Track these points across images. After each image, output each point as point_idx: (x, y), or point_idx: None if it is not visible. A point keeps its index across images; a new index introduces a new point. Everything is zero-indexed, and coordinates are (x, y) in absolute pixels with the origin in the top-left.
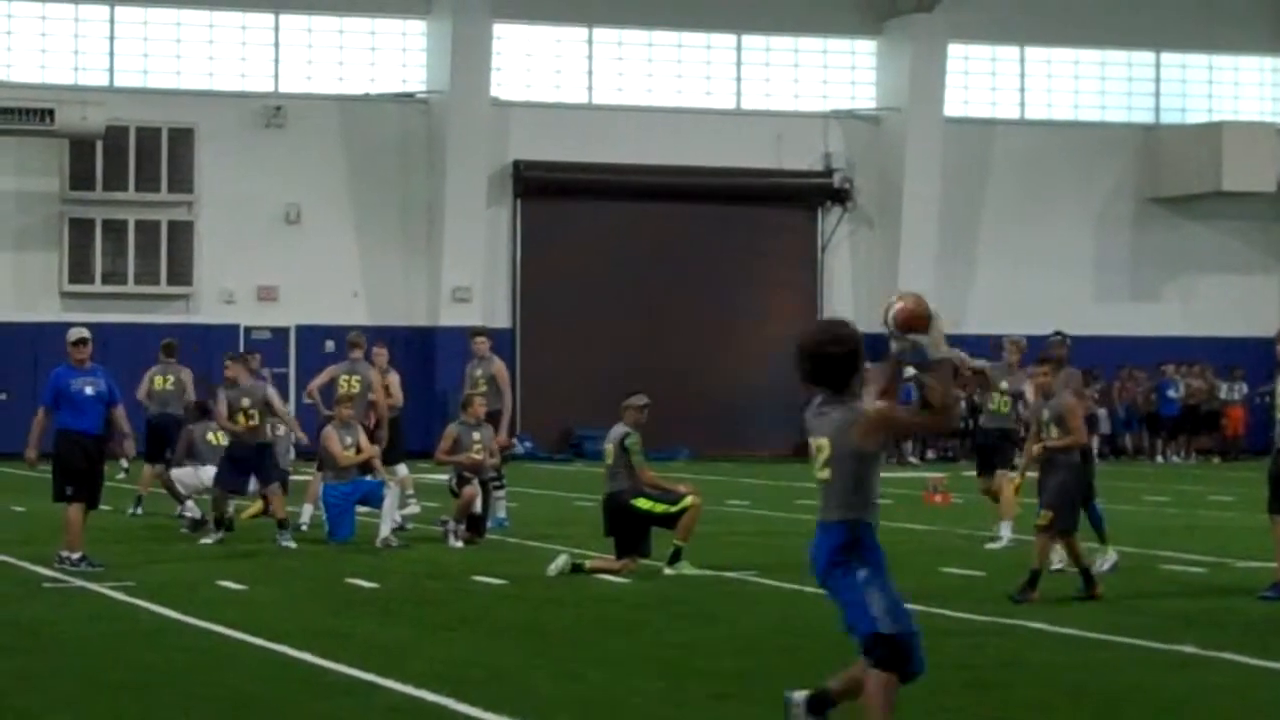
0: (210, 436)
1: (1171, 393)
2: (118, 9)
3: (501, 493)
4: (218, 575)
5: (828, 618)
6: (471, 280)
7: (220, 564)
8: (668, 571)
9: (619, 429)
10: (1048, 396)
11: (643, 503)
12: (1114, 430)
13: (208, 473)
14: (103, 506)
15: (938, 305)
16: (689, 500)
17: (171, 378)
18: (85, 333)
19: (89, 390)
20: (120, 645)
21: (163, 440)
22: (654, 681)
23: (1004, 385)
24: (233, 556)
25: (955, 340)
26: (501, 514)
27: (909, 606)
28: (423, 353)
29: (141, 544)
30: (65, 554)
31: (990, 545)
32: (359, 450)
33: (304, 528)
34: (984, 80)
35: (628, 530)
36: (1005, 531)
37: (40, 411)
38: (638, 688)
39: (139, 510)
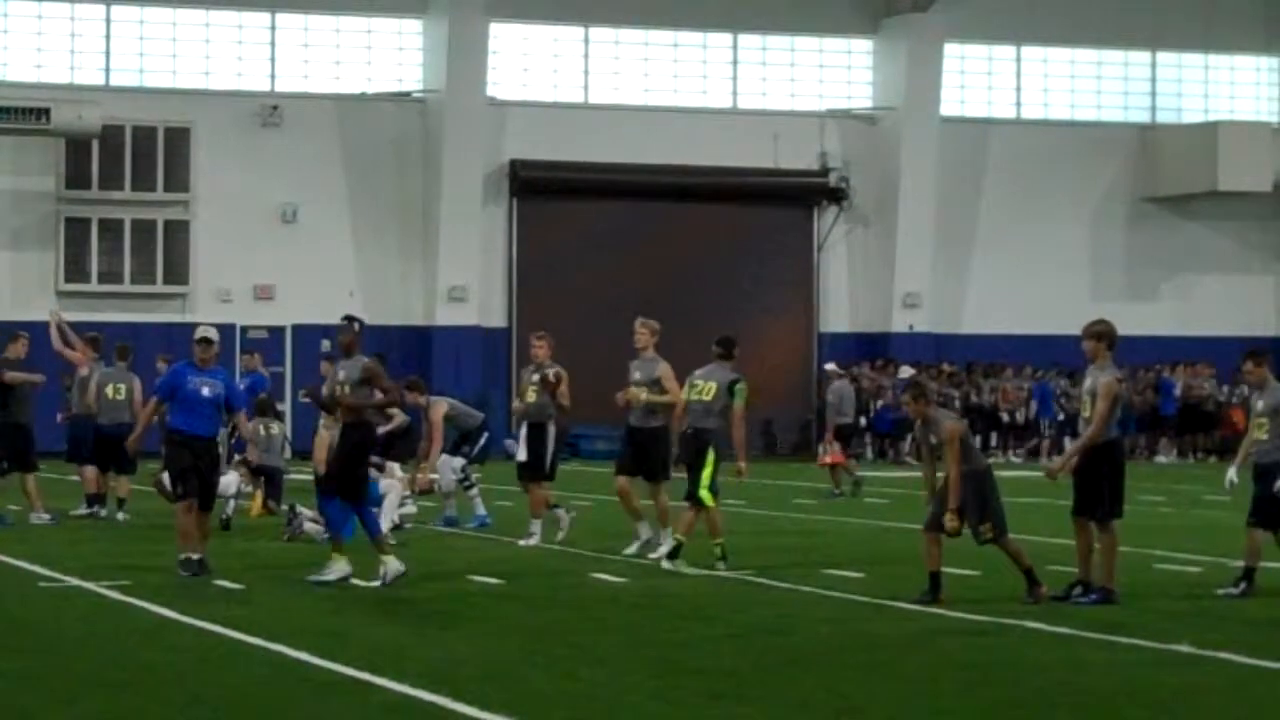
0: None
1: (1177, 392)
2: (114, 8)
3: (474, 491)
4: (215, 575)
5: (823, 618)
6: (468, 279)
7: (217, 562)
8: (665, 566)
9: (724, 372)
10: None
11: (710, 459)
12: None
13: None
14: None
15: (933, 303)
16: (712, 501)
17: (123, 386)
18: (210, 332)
19: (206, 391)
20: (117, 644)
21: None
22: (649, 680)
23: None
24: (230, 555)
25: (953, 339)
26: (481, 511)
27: (904, 606)
28: (419, 352)
29: (137, 543)
30: (184, 556)
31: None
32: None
33: (407, 526)
34: (980, 80)
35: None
36: None
37: (152, 402)
38: (633, 686)
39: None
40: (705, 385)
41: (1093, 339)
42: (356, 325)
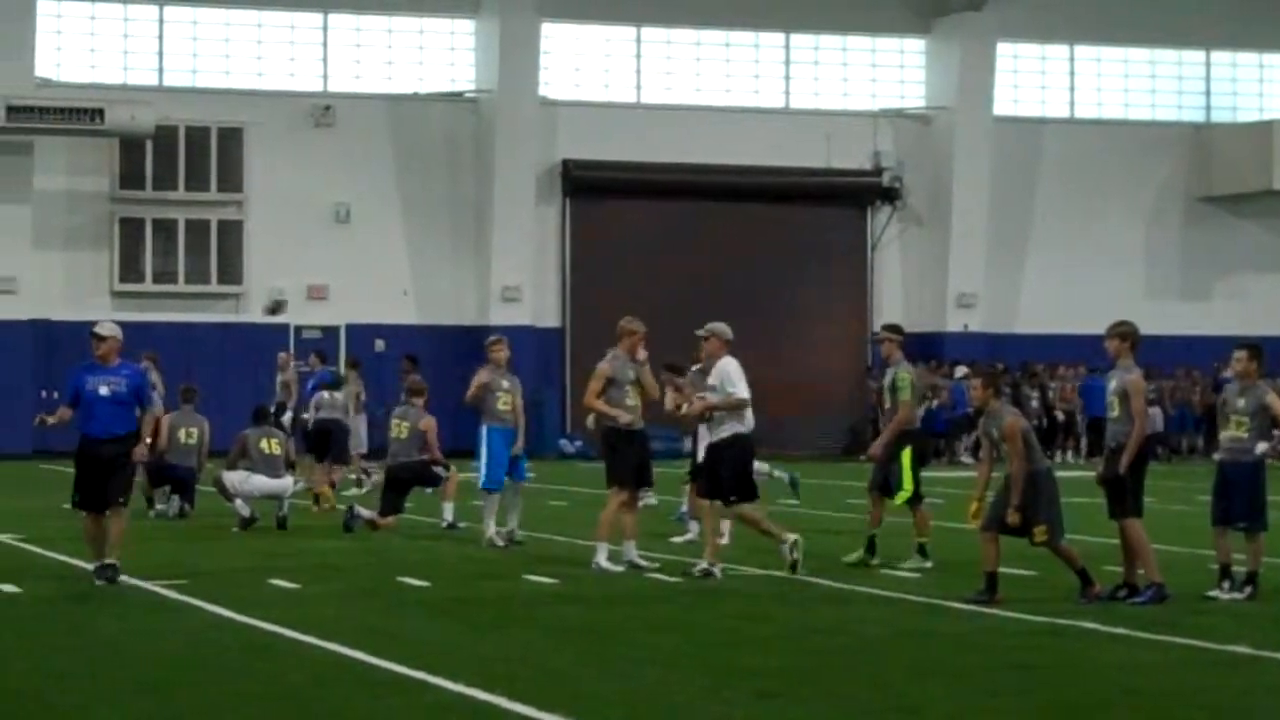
0: (264, 444)
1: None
2: (167, 9)
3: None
4: (270, 574)
5: (877, 619)
6: (521, 279)
7: (272, 562)
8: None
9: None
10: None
11: (908, 463)
12: (1168, 430)
13: (258, 480)
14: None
15: (988, 303)
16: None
17: (195, 430)
18: (105, 328)
19: (104, 390)
20: (171, 643)
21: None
22: (703, 679)
23: None
24: (285, 555)
25: (1007, 339)
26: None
27: (960, 607)
28: (472, 352)
29: (193, 542)
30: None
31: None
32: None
33: (460, 525)
34: (1033, 79)
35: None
36: None
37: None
38: (687, 686)
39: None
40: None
41: (1116, 339)
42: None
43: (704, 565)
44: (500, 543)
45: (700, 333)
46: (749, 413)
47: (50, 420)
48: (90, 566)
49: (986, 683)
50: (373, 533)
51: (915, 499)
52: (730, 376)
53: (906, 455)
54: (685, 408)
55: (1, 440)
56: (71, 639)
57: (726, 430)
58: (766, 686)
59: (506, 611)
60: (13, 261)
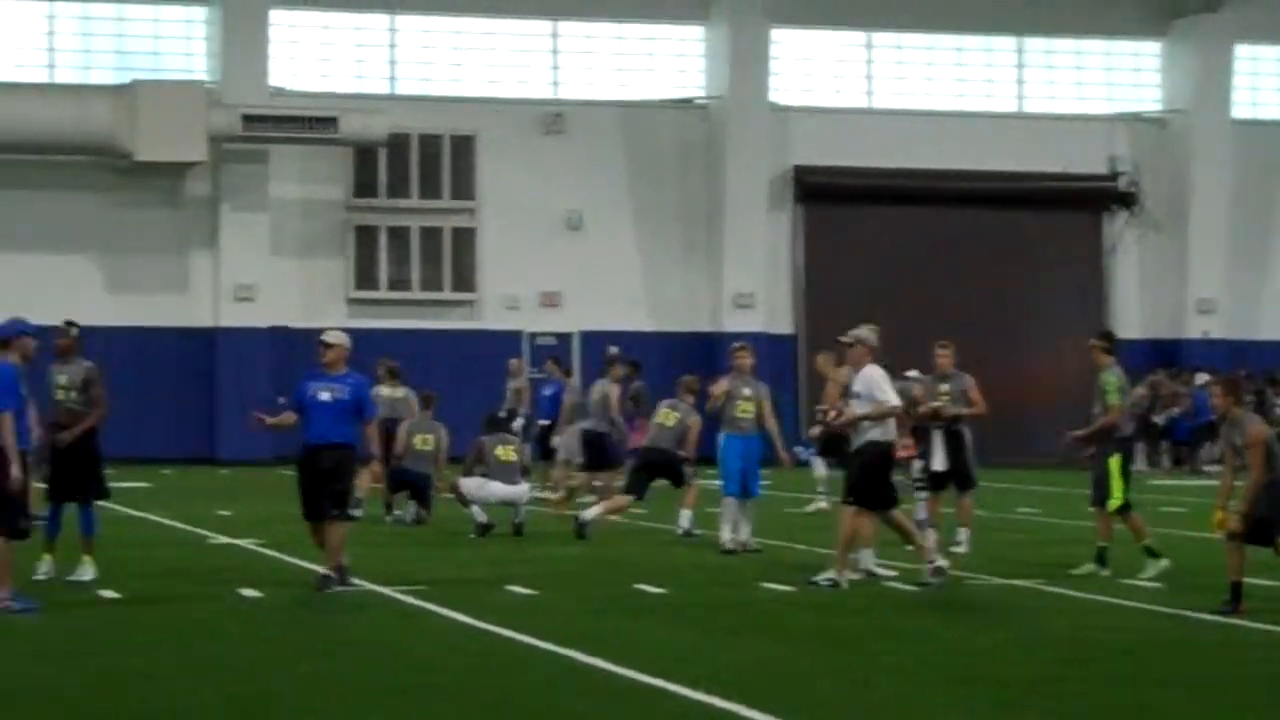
0: (500, 450)
1: None
2: (398, 18)
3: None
4: (506, 580)
5: (1115, 627)
6: (754, 286)
7: (509, 569)
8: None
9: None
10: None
11: (1117, 471)
12: None
13: (494, 486)
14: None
15: (1229, 309)
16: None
17: (430, 437)
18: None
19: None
20: (410, 649)
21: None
22: (941, 689)
23: None
24: (521, 561)
25: (1247, 346)
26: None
27: (1203, 617)
28: (705, 359)
29: (430, 548)
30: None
31: None
32: None
33: (696, 532)
34: (1274, 81)
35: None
36: None
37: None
38: (924, 694)
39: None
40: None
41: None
42: (74, 330)
43: (937, 562)
44: (731, 547)
45: (845, 339)
46: (892, 422)
47: (269, 421)
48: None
49: (1235, 695)
50: (605, 520)
51: (1125, 506)
52: (879, 384)
53: (1115, 463)
54: (832, 416)
55: (242, 446)
56: (313, 643)
57: (870, 436)
58: (1008, 696)
59: (744, 618)
60: (251, 269)
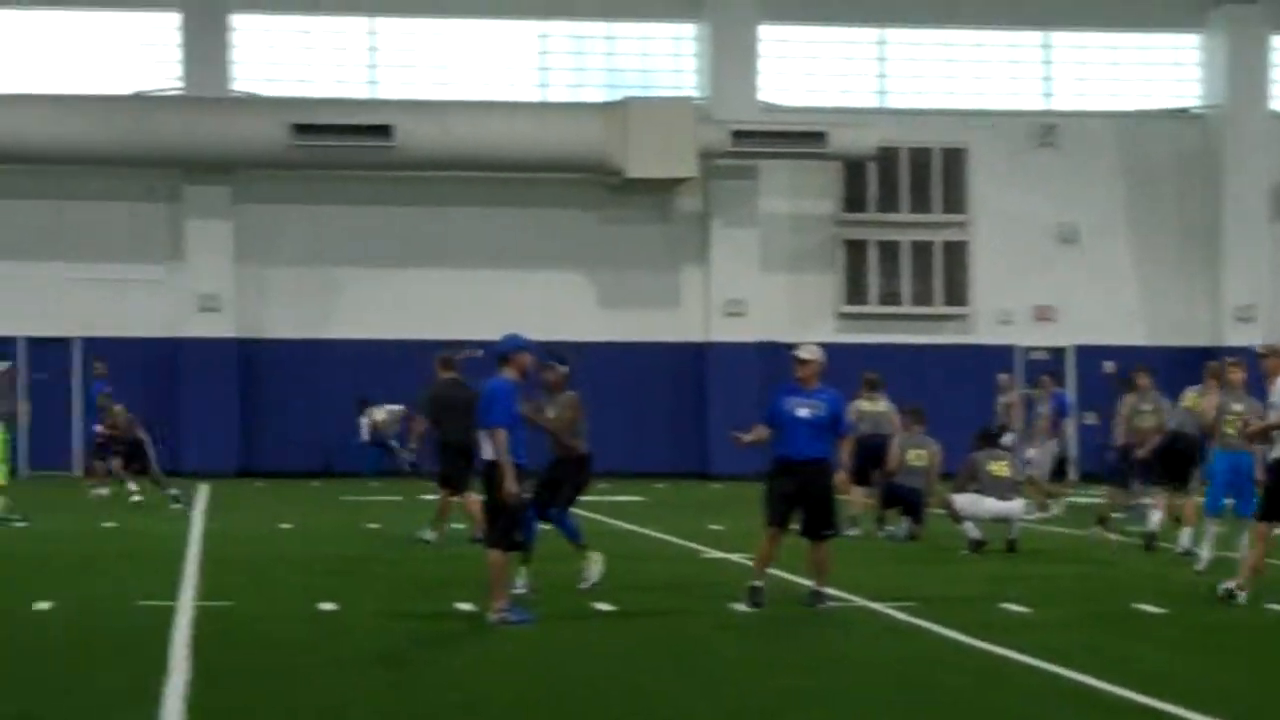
0: (993, 466)
1: None
2: (888, 30)
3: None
4: (1000, 597)
5: None
6: (1255, 298)
7: (1002, 586)
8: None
9: None
10: None
11: None
12: None
13: (988, 503)
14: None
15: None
16: None
17: (923, 452)
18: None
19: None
20: (904, 666)
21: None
22: None
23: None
24: (1015, 578)
25: None
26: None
27: None
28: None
29: (922, 565)
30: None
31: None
32: None
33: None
34: None
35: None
36: None
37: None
38: None
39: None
40: None
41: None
42: (563, 369)
43: (1229, 585)
44: (1199, 567)
45: (1259, 348)
46: None
47: (745, 439)
48: (810, 584)
49: None
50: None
51: None
52: None
53: None
54: (1240, 427)
55: (733, 461)
56: (803, 657)
57: None
58: None
59: (1251, 640)
60: (742, 284)
